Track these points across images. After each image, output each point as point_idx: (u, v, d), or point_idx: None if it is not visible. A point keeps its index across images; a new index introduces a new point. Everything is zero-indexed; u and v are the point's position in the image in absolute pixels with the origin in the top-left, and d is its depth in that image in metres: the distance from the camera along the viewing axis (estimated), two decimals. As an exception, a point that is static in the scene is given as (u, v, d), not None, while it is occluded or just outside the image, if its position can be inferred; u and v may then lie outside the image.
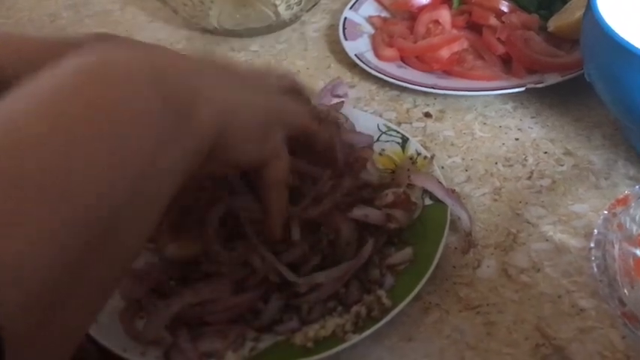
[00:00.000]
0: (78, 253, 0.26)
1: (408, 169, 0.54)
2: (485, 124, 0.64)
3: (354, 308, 0.45)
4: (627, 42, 0.48)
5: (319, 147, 0.48)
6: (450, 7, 0.74)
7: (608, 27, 0.49)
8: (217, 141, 0.36)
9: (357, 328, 0.44)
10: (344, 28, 0.75)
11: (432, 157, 0.56)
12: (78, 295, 0.27)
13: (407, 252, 0.49)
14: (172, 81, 0.34)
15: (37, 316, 0.25)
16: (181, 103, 0.34)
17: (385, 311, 0.45)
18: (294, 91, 0.50)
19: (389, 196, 0.51)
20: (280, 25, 0.80)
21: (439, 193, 0.52)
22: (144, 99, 0.31)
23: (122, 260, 0.30)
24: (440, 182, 0.53)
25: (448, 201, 0.52)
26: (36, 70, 0.30)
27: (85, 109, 0.29)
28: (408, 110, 0.67)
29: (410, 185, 0.54)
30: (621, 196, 0.45)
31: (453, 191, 0.54)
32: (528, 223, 0.53)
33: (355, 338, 0.43)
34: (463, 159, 0.60)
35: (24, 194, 0.25)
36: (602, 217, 0.44)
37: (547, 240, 0.52)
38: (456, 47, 0.69)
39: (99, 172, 0.28)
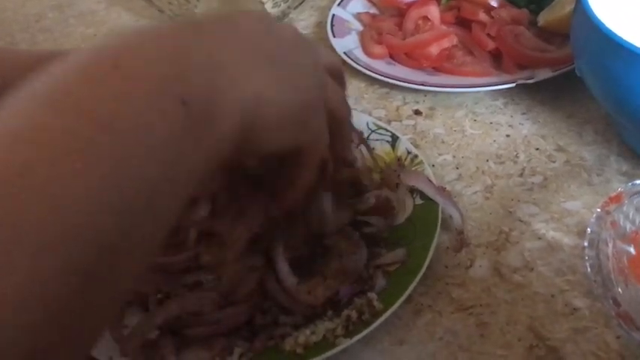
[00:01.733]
0: (87, 266, 0.25)
1: (395, 170, 0.53)
2: (475, 120, 0.63)
3: (345, 312, 0.44)
4: (618, 36, 0.47)
5: (342, 137, 0.45)
6: (439, 2, 0.73)
7: (599, 21, 0.49)
8: (244, 135, 0.33)
9: (348, 332, 0.43)
10: (332, 25, 0.74)
11: (419, 160, 0.56)
12: (94, 301, 0.25)
13: (399, 252, 0.48)
14: (193, 77, 0.31)
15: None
16: (203, 105, 0.31)
17: (376, 314, 0.44)
18: (335, 72, 0.45)
19: (370, 199, 0.50)
20: (268, 22, 0.79)
21: (430, 192, 0.52)
22: (161, 100, 0.29)
23: (132, 269, 0.28)
24: (430, 180, 0.53)
25: (439, 199, 0.51)
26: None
27: (92, 118, 0.26)
28: (397, 108, 0.66)
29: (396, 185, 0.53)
30: (614, 194, 0.45)
31: (444, 189, 0.53)
32: (521, 221, 0.53)
33: (346, 342, 0.43)
34: (454, 156, 0.59)
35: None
36: (595, 215, 0.44)
37: (540, 238, 0.51)
38: (446, 43, 0.69)
39: (105, 183, 0.25)
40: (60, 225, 0.24)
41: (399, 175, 0.52)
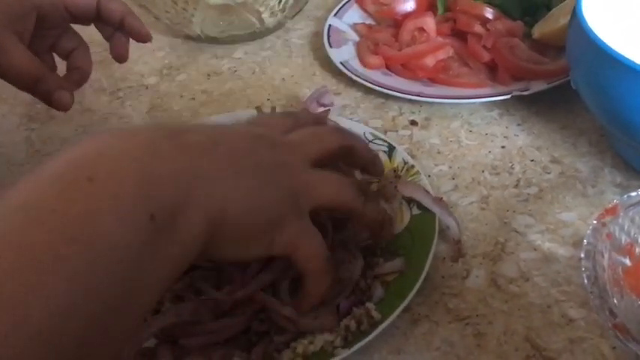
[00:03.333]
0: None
1: (391, 182, 0.53)
2: (471, 131, 0.64)
3: (344, 322, 0.44)
4: (613, 50, 0.48)
5: (364, 224, 0.47)
6: (435, 14, 0.73)
7: (594, 35, 0.49)
8: (207, 246, 0.35)
9: (347, 343, 0.43)
10: (328, 36, 0.75)
11: (415, 170, 0.56)
12: None
13: (396, 262, 0.49)
14: (163, 192, 0.33)
15: None
16: (169, 218, 0.32)
17: (374, 324, 0.44)
18: (344, 148, 0.46)
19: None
20: (264, 32, 0.79)
21: (427, 202, 0.52)
22: (130, 217, 0.31)
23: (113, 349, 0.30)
24: (427, 191, 0.53)
25: (436, 209, 0.51)
26: None
27: (63, 222, 0.28)
28: (393, 118, 0.66)
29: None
30: (610, 206, 0.45)
31: (441, 200, 0.53)
32: (516, 232, 0.53)
33: (344, 353, 0.43)
34: (450, 167, 0.60)
35: None
36: (591, 227, 0.44)
37: (535, 249, 0.52)
38: (441, 55, 0.69)
39: (72, 286, 0.27)
40: (23, 337, 0.25)
41: (395, 187, 0.52)
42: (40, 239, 0.27)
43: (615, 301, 0.42)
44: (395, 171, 0.56)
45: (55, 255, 0.27)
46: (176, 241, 0.33)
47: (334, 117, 0.61)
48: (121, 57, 0.61)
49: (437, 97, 0.65)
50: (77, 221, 0.29)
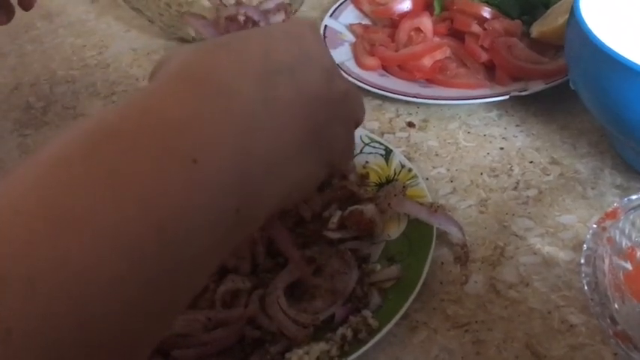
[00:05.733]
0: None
1: (395, 194, 0.52)
2: (469, 133, 0.63)
3: (340, 330, 0.44)
4: (612, 50, 0.47)
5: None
6: (432, 14, 0.73)
7: (593, 34, 0.48)
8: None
9: (343, 353, 0.42)
10: (324, 37, 0.74)
11: (413, 173, 0.55)
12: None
13: (393, 269, 0.48)
14: (249, 191, 0.31)
15: None
16: (249, 208, 0.31)
17: (372, 332, 0.43)
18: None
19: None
20: (259, 33, 0.78)
21: (423, 217, 0.50)
22: (218, 219, 0.29)
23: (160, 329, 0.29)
24: (421, 204, 0.51)
25: (434, 222, 0.50)
26: None
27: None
28: (390, 120, 0.65)
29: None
30: (610, 210, 0.44)
31: (436, 210, 0.51)
32: (516, 235, 0.52)
33: (342, 362, 0.42)
34: (448, 170, 0.59)
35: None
36: (591, 231, 0.43)
37: (535, 253, 0.51)
38: (439, 55, 0.68)
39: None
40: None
41: (389, 204, 0.51)
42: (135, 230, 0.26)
43: (616, 306, 0.42)
44: (388, 181, 0.55)
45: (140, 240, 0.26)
46: (245, 232, 0.32)
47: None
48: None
49: (434, 99, 0.64)
50: (169, 212, 0.27)
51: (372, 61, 0.70)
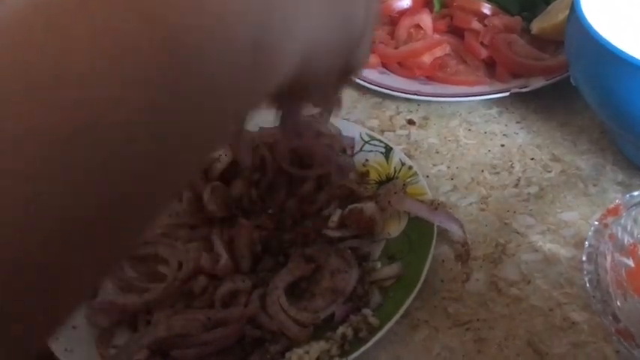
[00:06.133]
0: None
1: (396, 192, 0.51)
2: (470, 130, 0.62)
3: (340, 329, 0.43)
4: (612, 45, 0.47)
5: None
6: (432, 11, 0.72)
7: (593, 30, 0.48)
8: (295, 77, 0.30)
9: (344, 352, 0.42)
10: (324, 35, 0.73)
11: (413, 171, 0.55)
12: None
13: (394, 267, 0.47)
14: (267, 21, 0.27)
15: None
16: (270, 49, 0.27)
17: (372, 331, 0.43)
18: None
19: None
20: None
21: (423, 215, 0.50)
22: (235, 43, 0.25)
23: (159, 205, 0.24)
24: (422, 202, 0.51)
25: (434, 219, 0.49)
26: None
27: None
28: (391, 118, 0.65)
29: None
30: (612, 206, 0.44)
31: (436, 208, 0.51)
32: (517, 233, 0.52)
33: (343, 361, 0.42)
34: (448, 167, 0.59)
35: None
36: (593, 228, 0.43)
37: (536, 250, 0.50)
38: (439, 52, 0.68)
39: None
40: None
41: (389, 202, 0.51)
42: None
43: (619, 303, 0.41)
44: (388, 179, 0.55)
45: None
46: (260, 85, 0.28)
47: (330, 118, 0.60)
48: None
49: (434, 96, 0.64)
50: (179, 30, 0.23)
51: (371, 58, 0.69)
